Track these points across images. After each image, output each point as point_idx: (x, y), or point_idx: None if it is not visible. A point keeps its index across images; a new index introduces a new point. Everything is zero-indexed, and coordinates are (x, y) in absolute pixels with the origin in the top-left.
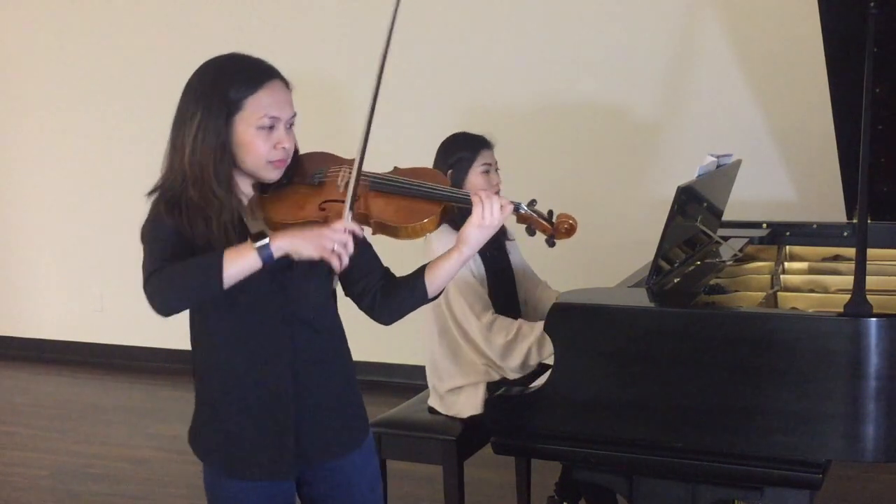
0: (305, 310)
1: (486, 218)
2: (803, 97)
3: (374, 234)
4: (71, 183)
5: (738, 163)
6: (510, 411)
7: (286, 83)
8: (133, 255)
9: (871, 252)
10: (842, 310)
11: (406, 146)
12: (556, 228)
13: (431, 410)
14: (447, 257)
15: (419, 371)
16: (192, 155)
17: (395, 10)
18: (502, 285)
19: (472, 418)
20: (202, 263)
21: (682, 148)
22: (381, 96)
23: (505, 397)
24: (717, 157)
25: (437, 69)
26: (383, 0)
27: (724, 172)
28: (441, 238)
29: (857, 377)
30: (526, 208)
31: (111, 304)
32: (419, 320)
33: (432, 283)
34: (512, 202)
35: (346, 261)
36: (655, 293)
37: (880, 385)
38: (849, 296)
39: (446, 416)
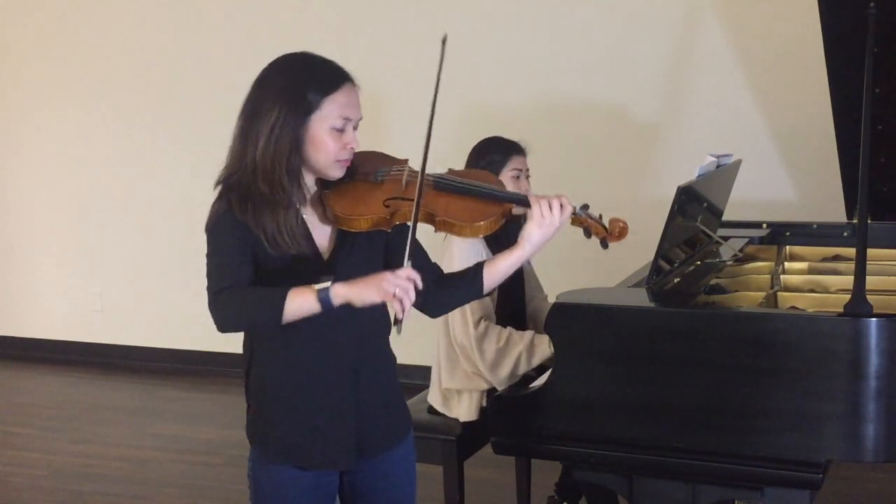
0: (365, 315)
1: (545, 216)
2: (803, 97)
3: (437, 231)
4: (71, 183)
5: (738, 163)
6: (510, 411)
7: (356, 85)
8: (132, 255)
9: (871, 252)
10: (842, 310)
11: (406, 146)
12: (609, 232)
13: (431, 410)
14: (508, 255)
15: (419, 371)
16: (265, 148)
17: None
18: (513, 294)
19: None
20: (267, 299)
21: (682, 148)
22: (384, 97)
23: (505, 397)
24: (717, 157)
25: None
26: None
27: (724, 172)
28: (465, 244)
29: (857, 377)
30: (581, 212)
31: (111, 304)
32: (420, 320)
33: (490, 279)
34: (571, 205)
35: (408, 307)
36: (655, 293)
37: (880, 385)
38: (849, 296)
39: (446, 415)
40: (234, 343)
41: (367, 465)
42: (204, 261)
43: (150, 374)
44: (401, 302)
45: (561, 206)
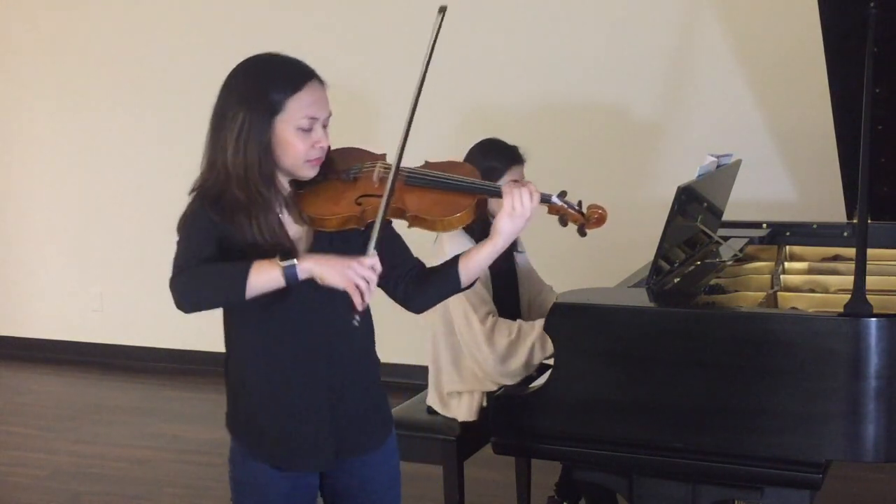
0: (339, 316)
1: (516, 208)
2: (803, 97)
3: (409, 227)
4: (71, 183)
5: (738, 163)
6: (510, 411)
7: (322, 83)
8: (132, 255)
9: (871, 252)
10: (842, 310)
11: (407, 146)
12: (586, 218)
13: (430, 411)
14: (481, 248)
15: (419, 371)
16: (235, 155)
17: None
18: (506, 290)
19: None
20: (229, 272)
21: (682, 148)
22: (386, 96)
23: (505, 397)
24: (717, 157)
25: (437, 69)
26: None
27: (724, 172)
28: (453, 240)
29: (857, 377)
30: (557, 199)
31: (110, 303)
32: (419, 320)
33: (466, 272)
34: (541, 193)
35: (367, 299)
36: (655, 293)
37: (880, 385)
38: (849, 296)
39: (445, 416)
40: None
41: (347, 468)
42: None
43: (150, 374)
44: (361, 294)
45: (530, 194)
